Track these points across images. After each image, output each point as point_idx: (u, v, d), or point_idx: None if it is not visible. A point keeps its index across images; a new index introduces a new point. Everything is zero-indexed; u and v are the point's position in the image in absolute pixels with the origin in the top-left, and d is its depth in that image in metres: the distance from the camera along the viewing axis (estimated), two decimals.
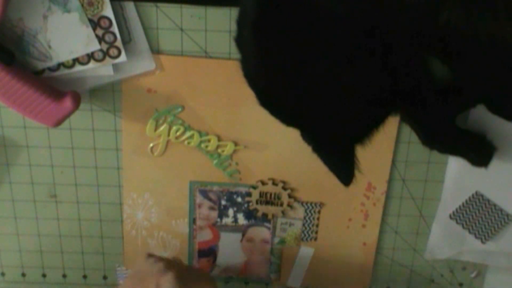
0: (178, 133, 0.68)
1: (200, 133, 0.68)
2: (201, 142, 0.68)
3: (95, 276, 0.78)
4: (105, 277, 0.78)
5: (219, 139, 0.68)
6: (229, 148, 0.68)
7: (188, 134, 0.67)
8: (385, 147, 0.68)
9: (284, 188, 0.71)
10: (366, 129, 0.53)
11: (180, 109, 0.66)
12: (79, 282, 0.78)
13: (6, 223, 0.73)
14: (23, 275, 0.77)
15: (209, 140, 0.68)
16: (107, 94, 0.66)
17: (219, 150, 0.69)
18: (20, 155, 0.69)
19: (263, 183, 0.71)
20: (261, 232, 0.74)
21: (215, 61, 0.64)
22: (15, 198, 0.72)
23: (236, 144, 0.68)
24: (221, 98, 0.66)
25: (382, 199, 0.71)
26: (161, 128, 0.67)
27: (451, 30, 0.45)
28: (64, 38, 0.61)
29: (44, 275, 0.77)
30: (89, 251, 0.76)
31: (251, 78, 0.53)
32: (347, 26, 0.47)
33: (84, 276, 0.78)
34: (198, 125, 0.67)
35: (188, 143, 0.68)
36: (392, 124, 0.66)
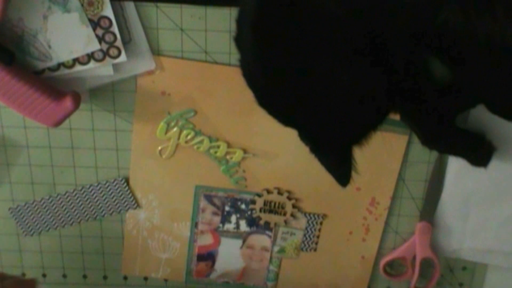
0: (188, 137, 0.67)
1: (210, 139, 0.67)
2: (210, 147, 0.68)
3: (95, 276, 0.77)
4: (105, 277, 0.78)
5: (229, 145, 0.68)
6: (237, 155, 0.68)
7: (198, 139, 0.67)
8: (391, 165, 0.68)
9: (289, 198, 0.70)
10: (364, 129, 0.52)
11: (192, 114, 0.66)
12: (79, 282, 0.78)
13: (6, 223, 0.73)
14: (23, 275, 0.77)
15: (218, 146, 0.67)
16: (107, 94, 0.66)
17: (228, 157, 0.68)
18: (20, 155, 0.69)
19: (269, 191, 0.70)
20: (261, 240, 0.73)
21: (232, 68, 0.63)
22: (15, 198, 0.72)
23: (245, 151, 0.68)
24: (234, 105, 0.66)
25: (384, 215, 0.71)
26: (172, 131, 0.67)
27: (449, 30, 0.45)
28: (64, 38, 0.61)
29: (44, 275, 0.77)
30: (89, 251, 0.76)
31: (250, 78, 0.53)
32: (346, 26, 0.47)
33: (84, 276, 0.78)
34: (208, 131, 0.67)
35: (198, 148, 0.68)
36: (400, 144, 0.66)
